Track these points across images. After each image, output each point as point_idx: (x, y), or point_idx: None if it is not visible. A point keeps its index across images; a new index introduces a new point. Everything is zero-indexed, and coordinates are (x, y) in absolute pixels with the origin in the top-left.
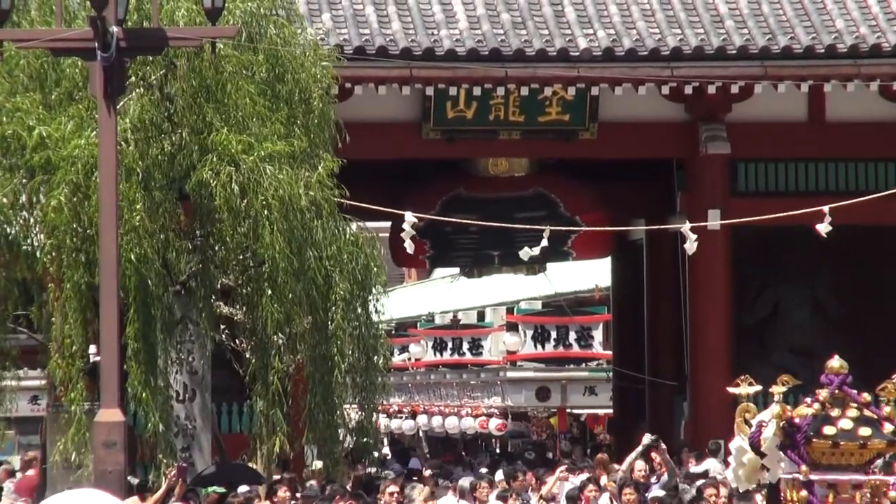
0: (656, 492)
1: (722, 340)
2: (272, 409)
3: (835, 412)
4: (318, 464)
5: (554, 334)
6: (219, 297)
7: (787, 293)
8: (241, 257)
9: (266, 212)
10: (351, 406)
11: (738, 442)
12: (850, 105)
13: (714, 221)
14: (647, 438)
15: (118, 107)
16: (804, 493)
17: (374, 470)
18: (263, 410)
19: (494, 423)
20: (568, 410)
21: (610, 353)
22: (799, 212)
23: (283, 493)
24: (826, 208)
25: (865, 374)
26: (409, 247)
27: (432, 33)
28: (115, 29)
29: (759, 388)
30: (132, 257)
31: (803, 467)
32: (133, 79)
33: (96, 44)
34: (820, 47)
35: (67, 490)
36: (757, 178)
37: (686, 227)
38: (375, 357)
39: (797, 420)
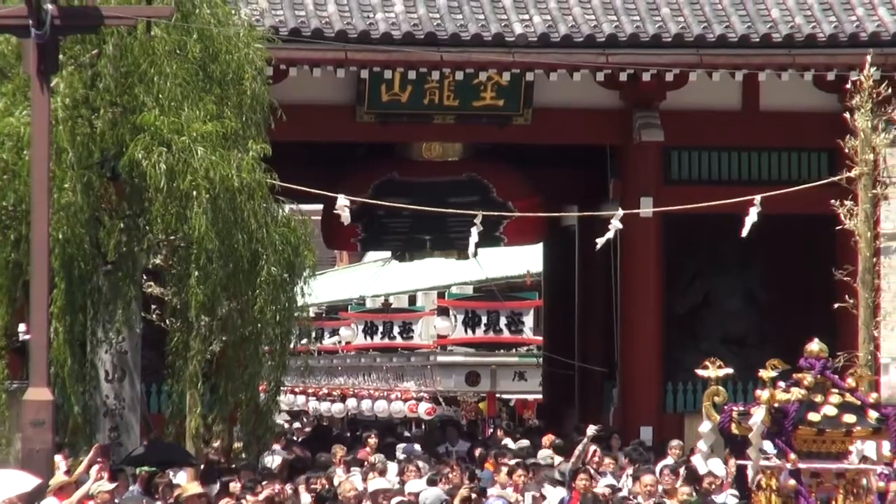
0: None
1: (652, 328)
2: (188, 390)
3: (817, 398)
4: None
5: (484, 319)
6: (150, 278)
7: (719, 282)
8: (172, 238)
9: (195, 193)
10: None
11: (706, 426)
12: (784, 94)
13: (646, 209)
14: (591, 430)
15: (50, 85)
16: (792, 482)
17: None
18: (179, 391)
19: (424, 408)
20: (497, 395)
21: (540, 338)
22: (731, 200)
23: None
24: (758, 197)
25: (796, 363)
26: (346, 219)
27: (368, 16)
28: (49, 6)
29: (729, 370)
30: (60, 236)
31: (792, 455)
32: (63, 57)
33: (31, 21)
34: (755, 36)
35: None
36: (690, 167)
37: (618, 214)
38: (295, 339)
39: (785, 405)
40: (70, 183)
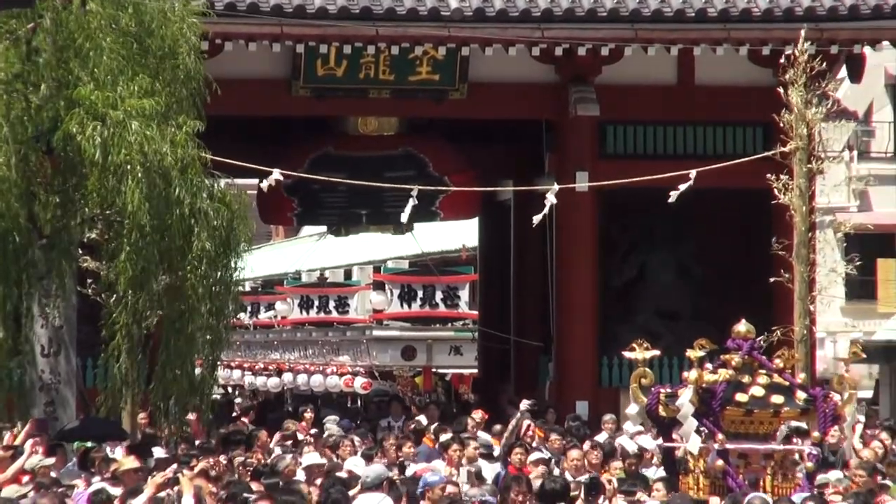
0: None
1: (588, 302)
2: (123, 365)
3: (745, 378)
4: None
5: (420, 294)
6: (85, 252)
7: (654, 256)
8: (107, 212)
9: (129, 167)
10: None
11: (634, 408)
12: (719, 69)
13: (582, 183)
14: (524, 404)
15: None
16: (720, 462)
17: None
18: (114, 366)
19: (360, 382)
20: (433, 370)
21: (476, 313)
22: (666, 175)
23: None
24: (693, 172)
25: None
26: (265, 185)
27: None
28: None
29: (656, 352)
30: None
31: (720, 436)
32: None
33: None
34: (690, 11)
35: None
36: (625, 141)
37: (554, 188)
38: (226, 311)
39: (713, 386)
40: (5, 157)
